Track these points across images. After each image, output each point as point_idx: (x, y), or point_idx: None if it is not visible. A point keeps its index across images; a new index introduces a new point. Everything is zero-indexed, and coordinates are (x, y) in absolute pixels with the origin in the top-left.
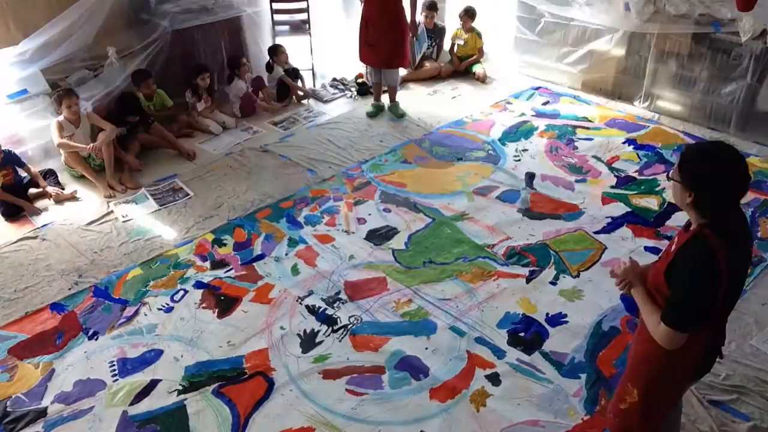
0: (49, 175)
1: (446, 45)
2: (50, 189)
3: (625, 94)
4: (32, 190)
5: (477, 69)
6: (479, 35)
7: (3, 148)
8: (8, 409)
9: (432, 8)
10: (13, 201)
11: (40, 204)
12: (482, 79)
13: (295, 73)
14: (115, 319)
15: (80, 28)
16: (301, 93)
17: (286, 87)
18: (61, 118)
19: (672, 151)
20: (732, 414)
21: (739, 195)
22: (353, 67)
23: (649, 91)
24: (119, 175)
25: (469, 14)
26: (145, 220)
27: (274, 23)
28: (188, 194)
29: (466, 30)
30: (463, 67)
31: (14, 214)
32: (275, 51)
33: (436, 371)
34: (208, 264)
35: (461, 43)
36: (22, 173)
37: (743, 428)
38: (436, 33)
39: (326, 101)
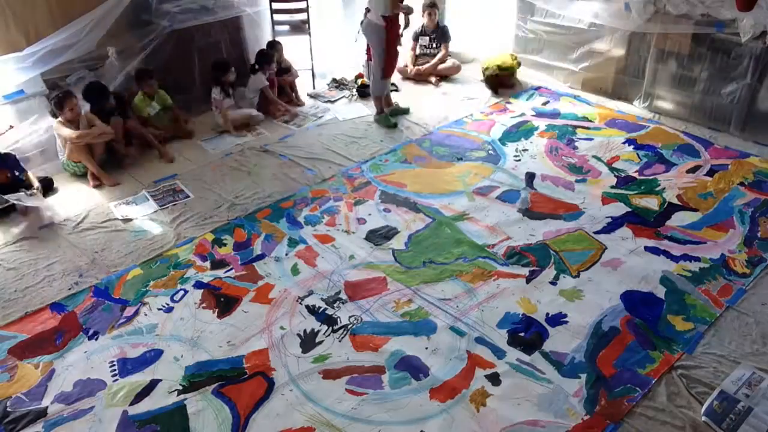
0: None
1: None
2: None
3: (625, 94)
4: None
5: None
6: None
7: (2, 152)
8: (8, 409)
9: (432, 6)
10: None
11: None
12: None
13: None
14: (115, 319)
15: (85, 36)
16: (281, 109)
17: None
18: (60, 119)
19: (672, 151)
20: None
21: None
22: (353, 67)
23: (649, 91)
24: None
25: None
26: (144, 220)
27: (274, 23)
28: (188, 196)
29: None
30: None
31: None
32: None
33: (436, 371)
34: (208, 264)
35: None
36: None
37: None
38: (437, 33)
39: (333, 101)
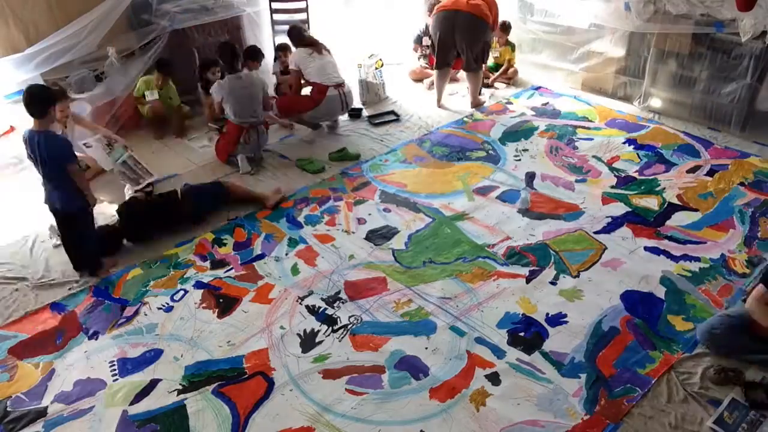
0: None
1: None
2: None
3: (625, 94)
4: None
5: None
6: (513, 48)
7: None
8: (8, 408)
9: None
10: None
11: None
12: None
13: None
14: (115, 318)
15: (87, 37)
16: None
17: None
18: None
19: (672, 151)
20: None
21: None
22: (354, 67)
23: (649, 91)
24: None
25: (504, 28)
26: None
27: (274, 23)
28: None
29: (501, 44)
30: (492, 80)
31: None
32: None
33: (436, 371)
34: (208, 264)
35: (496, 55)
36: None
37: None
38: None
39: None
